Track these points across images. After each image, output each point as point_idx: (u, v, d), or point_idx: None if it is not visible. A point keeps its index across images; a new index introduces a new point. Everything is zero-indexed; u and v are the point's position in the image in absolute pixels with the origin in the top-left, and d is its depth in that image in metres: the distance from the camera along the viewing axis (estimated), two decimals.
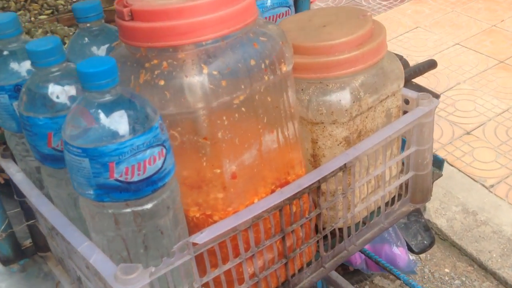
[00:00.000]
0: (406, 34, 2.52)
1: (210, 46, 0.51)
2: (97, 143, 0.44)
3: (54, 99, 0.51)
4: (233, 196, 0.56)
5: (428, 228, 1.41)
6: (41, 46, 0.50)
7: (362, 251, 1.21)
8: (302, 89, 0.64)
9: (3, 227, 0.74)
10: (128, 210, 0.47)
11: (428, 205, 1.69)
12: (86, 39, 0.65)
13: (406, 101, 0.76)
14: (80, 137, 0.44)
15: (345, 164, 0.63)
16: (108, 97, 0.45)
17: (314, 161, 0.68)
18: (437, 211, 1.67)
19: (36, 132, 0.52)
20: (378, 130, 0.69)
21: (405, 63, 1.58)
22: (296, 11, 1.01)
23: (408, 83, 1.51)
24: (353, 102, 0.63)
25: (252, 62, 0.52)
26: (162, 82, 0.49)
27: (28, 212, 0.73)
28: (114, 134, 0.44)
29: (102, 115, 0.44)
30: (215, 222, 0.57)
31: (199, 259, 0.52)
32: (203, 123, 0.51)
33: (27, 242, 0.81)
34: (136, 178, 0.45)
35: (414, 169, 0.75)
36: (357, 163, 0.66)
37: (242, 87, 0.52)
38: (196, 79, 0.49)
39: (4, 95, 0.57)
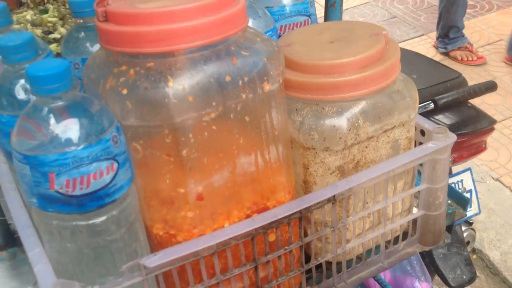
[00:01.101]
0: (487, 46, 2.35)
1: (182, 57, 0.47)
2: (37, 151, 0.41)
3: (18, 96, 0.50)
4: (200, 218, 0.53)
5: (470, 263, 1.30)
6: (10, 41, 0.49)
7: (378, 282, 1.14)
8: (296, 109, 0.59)
9: None
10: (72, 223, 0.45)
11: (483, 234, 1.56)
12: (82, 34, 0.64)
13: (423, 132, 0.69)
14: (24, 143, 0.42)
15: (334, 196, 0.57)
16: (59, 103, 0.43)
17: (305, 188, 0.63)
18: (492, 242, 1.55)
19: (0, 128, 0.51)
20: (381, 161, 0.63)
21: (462, 81, 1.48)
22: (326, 19, 0.96)
23: (463, 104, 1.41)
24: (349, 129, 0.57)
25: (227, 78, 0.48)
26: (125, 91, 0.47)
27: None
28: (57, 144, 0.42)
29: (48, 122, 0.42)
30: (178, 242, 0.54)
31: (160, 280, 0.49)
32: (166, 139, 0.48)
33: None
34: (78, 192, 0.43)
35: (425, 208, 0.68)
36: (352, 196, 0.61)
37: (213, 104, 0.48)
38: (159, 92, 0.46)
39: None
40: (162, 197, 0.53)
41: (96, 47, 0.63)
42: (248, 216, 0.56)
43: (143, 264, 0.48)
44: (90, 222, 0.46)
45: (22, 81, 0.50)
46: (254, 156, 0.54)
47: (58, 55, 0.79)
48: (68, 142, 0.42)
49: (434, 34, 2.46)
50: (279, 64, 0.53)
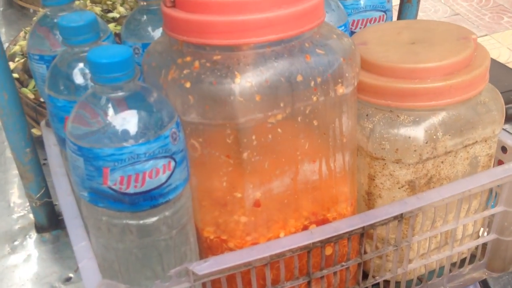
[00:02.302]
0: None
1: (251, 52, 0.44)
2: (93, 144, 0.40)
3: (77, 81, 0.48)
4: (254, 226, 0.50)
5: None
6: (72, 22, 0.47)
7: None
8: (367, 115, 0.55)
9: (39, 194, 0.75)
10: (122, 221, 0.43)
11: None
12: (145, 17, 0.62)
13: (504, 149, 0.63)
14: (79, 133, 0.40)
15: (401, 214, 0.53)
16: (119, 93, 0.41)
17: (368, 200, 0.59)
18: None
19: (54, 113, 0.49)
20: (456, 179, 0.58)
21: None
22: (400, 16, 0.90)
23: None
24: (426, 142, 0.53)
25: (299, 78, 0.45)
26: (188, 84, 0.44)
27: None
28: (114, 137, 0.40)
29: (107, 113, 0.40)
30: (230, 249, 0.52)
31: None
32: (227, 139, 0.45)
33: None
34: (132, 190, 0.41)
35: (498, 233, 0.63)
36: (420, 214, 0.56)
37: (281, 105, 0.45)
38: (225, 88, 0.43)
39: (43, 65, 0.56)
40: (215, 198, 0.50)
41: (158, 32, 0.61)
42: (305, 227, 0.53)
43: (192, 270, 0.46)
44: (141, 222, 0.44)
45: (81, 65, 0.49)
46: (319, 164, 0.50)
47: (116, 35, 0.78)
48: (126, 136, 0.40)
49: (498, 35, 2.32)
50: (355, 65, 0.49)
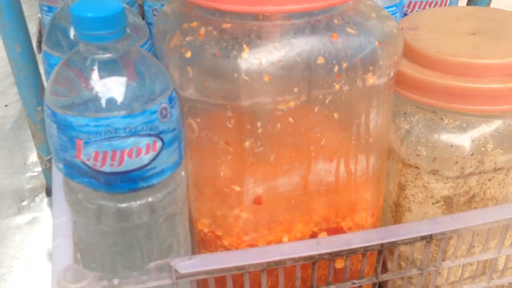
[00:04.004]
0: None
1: (267, 23, 0.38)
2: (66, 110, 0.35)
3: (71, 37, 0.44)
4: (254, 225, 0.45)
5: None
6: None
7: None
8: (404, 113, 0.48)
9: (49, 156, 0.73)
10: (98, 202, 0.39)
11: None
12: None
13: None
14: (56, 96, 0.36)
15: (431, 234, 0.46)
16: (106, 55, 0.36)
17: (396, 212, 0.52)
18: None
19: (47, 70, 0.45)
20: (506, 201, 0.50)
21: None
22: (470, 3, 0.80)
23: None
24: (472, 154, 0.45)
25: (320, 60, 0.38)
26: (188, 54, 0.39)
27: None
28: (91, 106, 0.35)
29: (87, 77, 0.36)
30: (224, 247, 0.47)
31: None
32: (227, 123, 0.39)
33: None
34: (107, 169, 0.36)
35: None
36: (455, 237, 0.49)
37: (295, 90, 0.38)
38: (229, 63, 0.37)
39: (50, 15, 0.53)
40: (214, 188, 0.45)
41: None
42: (314, 234, 0.47)
43: (174, 267, 0.41)
44: (119, 205, 0.39)
45: None
46: (336, 164, 0.44)
47: None
48: (104, 106, 0.35)
49: None
50: (394, 52, 0.42)
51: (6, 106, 1.03)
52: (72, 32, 0.44)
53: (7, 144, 0.91)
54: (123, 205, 0.39)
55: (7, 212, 0.75)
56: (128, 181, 0.38)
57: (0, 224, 0.73)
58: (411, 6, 0.64)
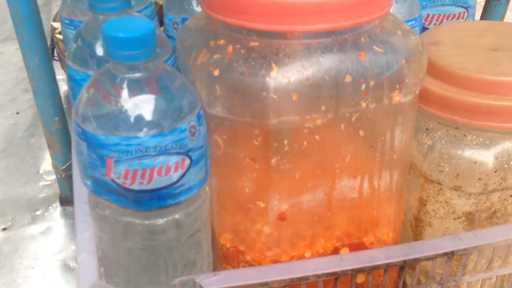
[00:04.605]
0: None
1: (294, 41, 0.38)
2: (98, 129, 0.36)
3: (98, 54, 0.44)
4: (277, 240, 0.45)
5: None
6: None
7: None
8: (427, 129, 0.48)
9: (65, 166, 0.73)
10: (126, 219, 0.39)
11: None
12: None
13: None
14: (85, 114, 0.37)
15: (453, 251, 0.46)
16: (135, 74, 0.36)
17: (416, 226, 0.52)
18: None
19: (72, 86, 0.46)
20: None
21: None
22: (484, 16, 0.80)
23: None
24: (495, 171, 0.45)
25: (348, 79, 0.39)
26: (216, 72, 0.39)
27: None
28: (122, 125, 0.35)
29: (118, 96, 0.36)
30: (246, 262, 0.47)
31: None
32: (254, 141, 0.40)
33: None
34: (136, 187, 0.37)
35: None
36: (475, 252, 0.49)
37: (322, 108, 0.39)
38: (258, 82, 0.37)
39: (72, 31, 0.53)
40: (237, 202, 0.46)
41: (198, 7, 0.56)
42: (336, 249, 0.47)
43: (199, 283, 0.41)
44: (146, 222, 0.39)
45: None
46: (360, 180, 0.44)
47: (160, 8, 0.74)
48: (135, 125, 0.35)
49: None
50: (420, 69, 0.42)
51: (17, 113, 1.04)
52: (99, 49, 0.44)
53: (19, 152, 0.92)
54: (150, 222, 0.40)
55: (21, 222, 0.76)
56: (156, 199, 0.38)
57: (14, 234, 0.74)
58: (428, 19, 0.64)
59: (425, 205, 0.50)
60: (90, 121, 0.36)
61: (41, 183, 0.83)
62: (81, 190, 0.50)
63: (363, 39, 0.40)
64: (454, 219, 0.49)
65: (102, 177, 0.37)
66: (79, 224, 0.46)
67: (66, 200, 0.78)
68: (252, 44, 0.39)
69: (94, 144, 0.36)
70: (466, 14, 0.65)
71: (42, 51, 0.61)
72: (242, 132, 0.41)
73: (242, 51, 0.39)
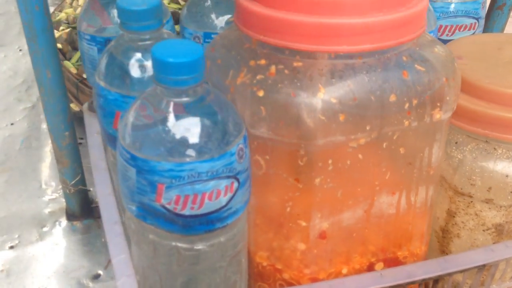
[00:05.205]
0: None
1: (339, 61, 0.39)
2: (149, 155, 0.35)
3: (133, 74, 0.44)
4: (314, 258, 0.45)
5: None
6: (135, 5, 0.43)
7: None
8: (456, 142, 0.49)
9: (74, 181, 0.72)
10: (171, 243, 0.39)
11: None
12: (209, 2, 0.57)
13: None
14: (134, 140, 0.36)
15: (484, 264, 0.47)
16: (184, 98, 0.36)
17: (443, 238, 0.53)
18: None
19: (104, 105, 0.45)
20: None
21: None
22: (487, 24, 0.82)
23: None
24: None
25: (392, 98, 0.39)
26: (261, 93, 0.39)
27: None
28: (174, 150, 0.35)
29: (168, 121, 0.36)
30: (284, 280, 0.47)
31: None
32: (299, 161, 0.40)
33: None
34: (187, 212, 0.36)
35: None
36: (504, 262, 0.50)
37: (367, 128, 0.39)
38: (306, 102, 0.38)
39: (93, 47, 0.52)
40: (269, 217, 0.46)
41: (222, 21, 0.56)
42: (371, 264, 0.48)
43: None
44: (192, 246, 0.39)
45: (139, 55, 0.44)
46: (398, 197, 0.45)
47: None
48: (188, 150, 0.35)
49: None
50: (457, 86, 0.43)
51: (12, 124, 1.01)
52: (133, 69, 0.44)
53: (18, 165, 0.89)
54: (197, 246, 0.39)
55: (29, 239, 0.74)
56: (205, 223, 0.38)
57: (23, 252, 0.72)
58: (441, 30, 0.65)
59: (453, 217, 0.51)
60: (140, 147, 0.36)
61: (45, 198, 0.82)
62: (109, 211, 0.50)
63: (404, 58, 0.40)
64: (483, 230, 0.50)
65: (151, 203, 0.37)
66: (113, 247, 0.45)
67: (73, 215, 0.77)
68: (295, 64, 0.39)
69: (145, 170, 0.36)
70: (477, 24, 0.66)
71: (54, 66, 0.60)
72: (286, 152, 0.41)
73: (286, 71, 0.39)
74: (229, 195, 0.38)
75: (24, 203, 0.81)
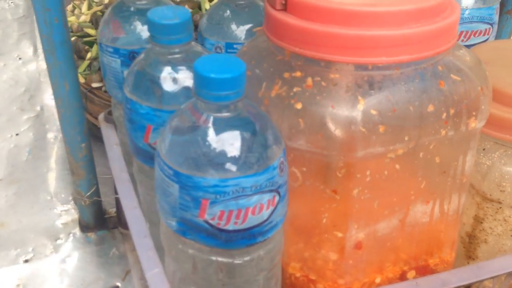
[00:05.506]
0: None
1: (377, 72, 0.39)
2: (194, 171, 0.35)
3: (165, 87, 0.43)
4: (347, 267, 0.45)
5: None
6: (166, 18, 0.42)
7: None
8: (484, 149, 0.49)
9: (89, 193, 0.71)
10: (211, 258, 0.39)
11: None
12: (228, 12, 0.57)
13: None
14: (176, 155, 0.36)
15: None
16: (224, 114, 0.36)
17: (469, 243, 0.54)
18: None
19: (134, 119, 0.45)
20: None
21: None
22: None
23: None
24: None
25: (430, 108, 0.39)
26: (299, 106, 0.39)
27: None
28: (219, 166, 0.35)
29: (211, 136, 0.35)
30: None
31: None
32: (338, 173, 0.40)
33: (112, 211, 0.78)
34: (231, 227, 0.36)
35: None
36: None
37: (406, 139, 0.39)
38: (346, 115, 0.38)
39: (117, 60, 0.52)
40: (298, 227, 0.45)
41: (243, 30, 0.56)
42: (403, 273, 0.48)
43: None
44: (233, 261, 0.39)
45: (170, 69, 0.44)
46: (432, 205, 0.45)
47: None
48: (233, 166, 0.35)
49: None
50: (490, 95, 0.43)
51: (17, 135, 1.00)
52: (165, 83, 0.43)
53: (26, 177, 0.88)
54: (237, 260, 0.39)
55: (44, 252, 0.73)
56: (247, 237, 0.37)
57: (38, 266, 0.71)
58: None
59: (481, 223, 0.51)
60: (183, 163, 0.35)
61: (57, 209, 0.81)
62: (138, 225, 0.49)
63: (440, 67, 0.40)
64: (511, 236, 0.50)
65: (194, 218, 0.37)
66: (146, 261, 0.45)
67: (87, 226, 0.76)
68: (332, 76, 0.39)
69: (189, 185, 0.35)
70: (491, 30, 0.67)
71: (72, 78, 0.60)
72: (324, 164, 0.40)
73: (323, 83, 0.39)
74: (271, 208, 0.37)
75: (35, 216, 0.80)
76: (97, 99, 0.84)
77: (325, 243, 0.44)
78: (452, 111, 0.40)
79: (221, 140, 0.35)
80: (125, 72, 0.52)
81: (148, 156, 0.46)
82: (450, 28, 0.40)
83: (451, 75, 0.40)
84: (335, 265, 0.45)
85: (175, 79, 0.44)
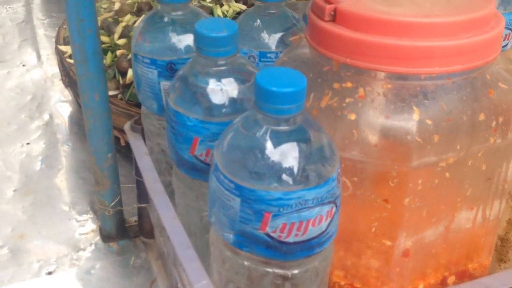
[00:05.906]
0: None
1: (429, 82, 0.39)
2: (257, 185, 0.35)
3: (214, 100, 0.43)
4: (390, 274, 0.45)
5: None
6: (213, 31, 0.42)
7: None
8: None
9: (113, 203, 0.71)
10: (269, 270, 0.39)
11: None
12: (259, 21, 0.57)
13: None
14: (237, 168, 0.36)
15: None
16: (285, 127, 0.36)
17: (501, 246, 0.54)
18: None
19: (180, 131, 0.45)
20: None
21: None
22: None
23: None
24: None
25: (482, 117, 0.40)
26: (353, 116, 0.39)
27: (143, 193, 0.69)
28: (282, 179, 0.35)
29: (273, 149, 0.35)
30: None
31: None
32: (391, 183, 0.40)
33: (133, 220, 0.78)
34: (291, 239, 0.36)
35: None
36: None
37: (458, 147, 0.40)
38: (401, 125, 0.38)
39: (153, 71, 0.51)
40: (360, 243, 0.45)
41: (274, 39, 0.56)
42: (444, 278, 0.48)
43: None
44: (288, 272, 0.39)
45: (217, 81, 0.44)
46: (475, 211, 0.45)
47: None
48: (296, 179, 0.35)
49: None
50: None
51: (28, 144, 0.99)
52: (213, 95, 0.43)
53: (41, 187, 0.87)
54: (293, 271, 0.39)
55: (67, 264, 0.72)
56: (306, 249, 0.38)
57: (62, 278, 0.70)
58: None
59: None
60: (245, 176, 0.35)
61: (75, 220, 0.80)
62: (179, 236, 0.49)
63: (488, 76, 0.41)
64: None
65: (254, 231, 0.36)
66: (192, 273, 0.45)
67: (108, 236, 0.75)
68: (385, 86, 0.40)
69: (251, 199, 0.35)
70: (511, 35, 0.67)
71: (102, 89, 0.59)
72: (376, 174, 0.41)
73: (377, 94, 0.39)
74: (329, 219, 0.38)
75: (54, 226, 0.79)
76: (114, 107, 0.84)
77: (372, 251, 0.44)
78: (501, 119, 0.40)
79: (285, 154, 0.35)
80: (162, 83, 0.52)
81: (193, 168, 0.46)
82: (497, 38, 0.40)
83: (499, 83, 0.41)
84: (378, 272, 0.46)
85: (222, 91, 0.43)
